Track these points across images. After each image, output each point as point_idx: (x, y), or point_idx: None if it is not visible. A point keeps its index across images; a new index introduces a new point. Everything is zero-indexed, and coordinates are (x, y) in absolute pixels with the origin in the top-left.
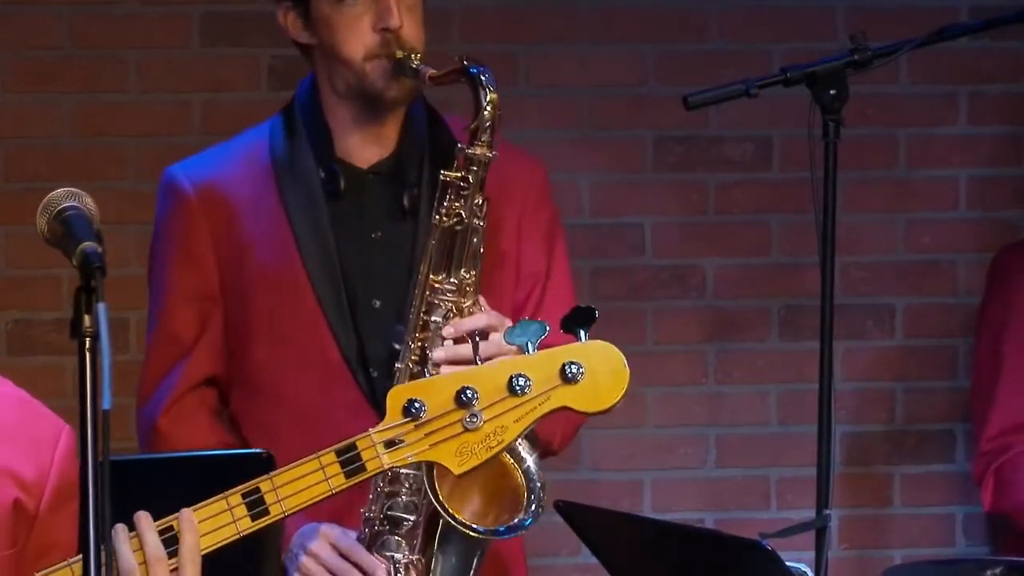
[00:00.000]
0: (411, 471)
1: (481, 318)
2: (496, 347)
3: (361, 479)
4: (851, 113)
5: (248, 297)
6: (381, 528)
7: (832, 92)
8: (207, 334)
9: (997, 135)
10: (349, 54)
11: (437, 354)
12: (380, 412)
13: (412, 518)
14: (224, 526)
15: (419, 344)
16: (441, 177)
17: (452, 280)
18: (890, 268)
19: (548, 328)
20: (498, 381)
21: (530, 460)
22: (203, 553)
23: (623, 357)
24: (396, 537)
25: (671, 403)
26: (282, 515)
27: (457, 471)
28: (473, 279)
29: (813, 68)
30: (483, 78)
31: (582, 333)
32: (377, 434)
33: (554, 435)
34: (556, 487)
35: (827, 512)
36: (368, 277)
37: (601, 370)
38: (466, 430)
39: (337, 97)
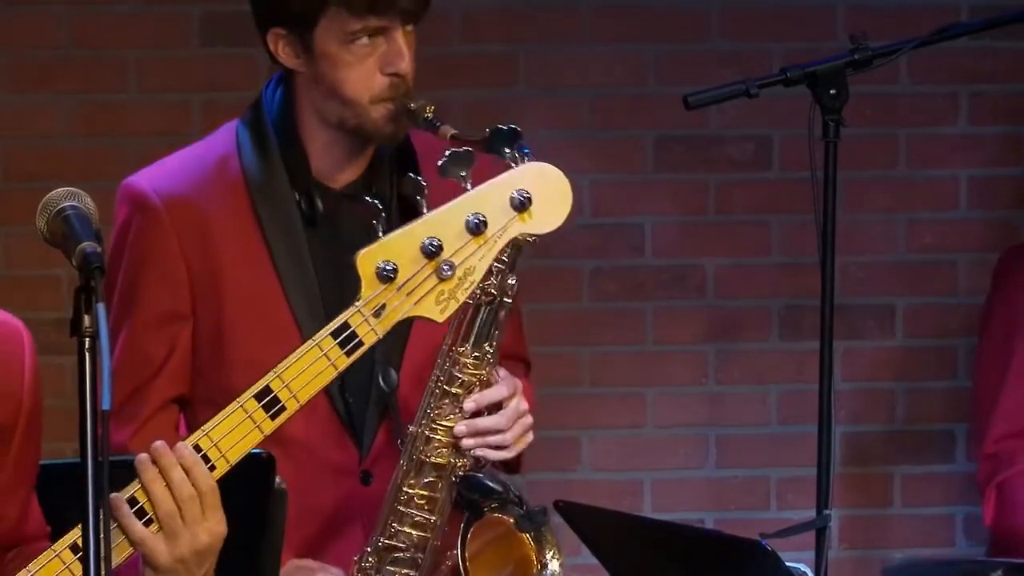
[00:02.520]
0: (409, 530)
1: (500, 390)
2: (514, 413)
3: (362, 353)
4: (851, 113)
5: (222, 319)
6: None
7: (832, 92)
8: (176, 354)
9: (997, 135)
10: (354, 95)
11: (459, 428)
12: (356, 437)
13: (412, 574)
14: (248, 434)
15: (436, 411)
16: None
17: (475, 353)
18: (890, 268)
19: (474, 154)
20: (456, 225)
21: (553, 566)
22: (234, 463)
23: (559, 171)
24: None
25: (671, 403)
26: (299, 407)
27: (440, 319)
28: (494, 350)
29: (813, 68)
30: (526, 155)
31: (507, 153)
32: (366, 307)
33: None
34: (556, 487)
35: (827, 512)
36: (346, 302)
37: (545, 190)
38: (441, 280)
39: (322, 123)
